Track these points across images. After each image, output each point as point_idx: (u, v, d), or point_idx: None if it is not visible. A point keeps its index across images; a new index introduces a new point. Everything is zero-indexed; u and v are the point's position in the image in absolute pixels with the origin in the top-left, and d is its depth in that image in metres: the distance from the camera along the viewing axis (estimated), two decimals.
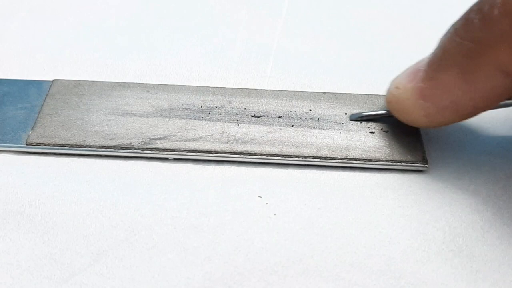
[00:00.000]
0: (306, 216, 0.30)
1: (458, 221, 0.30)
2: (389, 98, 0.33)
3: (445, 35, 0.30)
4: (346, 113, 0.35)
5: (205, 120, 0.34)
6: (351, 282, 0.28)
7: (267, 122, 0.34)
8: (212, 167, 0.33)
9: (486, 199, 0.31)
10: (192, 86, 0.36)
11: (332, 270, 0.28)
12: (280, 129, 0.34)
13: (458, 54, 0.29)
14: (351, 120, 0.35)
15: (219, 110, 0.35)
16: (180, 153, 0.33)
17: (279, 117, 0.35)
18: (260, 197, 0.31)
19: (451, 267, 0.29)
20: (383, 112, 0.34)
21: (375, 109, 0.35)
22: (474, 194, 0.31)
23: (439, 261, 0.29)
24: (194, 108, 0.35)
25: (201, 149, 0.33)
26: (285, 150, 0.33)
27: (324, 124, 0.34)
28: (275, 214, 0.30)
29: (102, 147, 0.33)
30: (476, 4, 0.29)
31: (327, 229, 0.30)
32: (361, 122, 0.34)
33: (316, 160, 0.33)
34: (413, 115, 0.32)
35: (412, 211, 0.31)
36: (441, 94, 0.30)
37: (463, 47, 0.29)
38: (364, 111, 0.35)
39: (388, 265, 0.28)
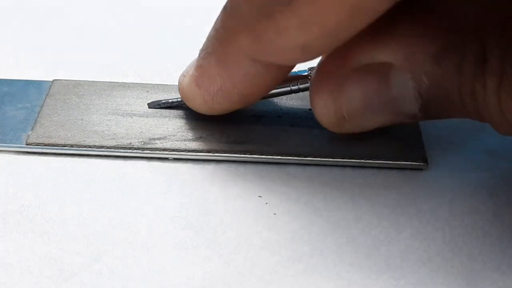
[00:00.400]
0: (306, 215, 0.30)
1: (458, 221, 0.30)
2: (178, 86, 0.33)
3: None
4: None
5: (205, 120, 0.34)
6: (351, 281, 0.28)
7: (267, 122, 0.34)
8: (212, 167, 0.33)
9: (486, 199, 0.31)
10: None
11: (332, 269, 0.28)
12: (280, 128, 0.34)
13: (215, 42, 0.30)
14: (150, 108, 0.35)
15: None
16: (180, 153, 0.33)
17: (279, 116, 0.35)
18: (260, 196, 0.31)
19: (451, 267, 0.28)
20: (178, 99, 0.35)
21: (172, 97, 0.35)
22: (474, 194, 0.31)
23: (439, 260, 0.29)
24: None
25: (201, 149, 0.33)
26: (285, 149, 0.33)
27: None
28: (275, 213, 0.30)
29: (102, 147, 0.33)
30: None
31: (327, 228, 0.30)
32: None
33: (316, 159, 0.33)
34: (194, 102, 0.33)
35: (412, 210, 0.31)
36: (208, 81, 0.31)
37: (218, 34, 0.30)
38: (162, 99, 0.35)
39: (388, 264, 0.28)
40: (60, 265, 0.28)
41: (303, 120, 0.34)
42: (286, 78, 0.33)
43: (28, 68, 0.38)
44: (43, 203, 0.31)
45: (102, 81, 0.37)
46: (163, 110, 0.35)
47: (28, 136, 0.33)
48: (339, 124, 0.32)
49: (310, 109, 0.35)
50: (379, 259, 0.29)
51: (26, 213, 0.30)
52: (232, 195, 0.31)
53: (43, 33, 0.41)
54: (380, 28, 0.29)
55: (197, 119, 0.34)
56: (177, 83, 0.36)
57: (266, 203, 0.31)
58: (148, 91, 0.36)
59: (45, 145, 0.33)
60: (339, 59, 0.31)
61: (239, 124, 0.34)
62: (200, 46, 0.40)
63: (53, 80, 0.36)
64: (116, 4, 0.44)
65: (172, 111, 0.35)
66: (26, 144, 0.33)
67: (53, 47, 0.40)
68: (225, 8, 0.30)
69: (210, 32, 0.31)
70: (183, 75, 0.33)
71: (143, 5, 0.44)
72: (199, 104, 0.33)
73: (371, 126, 0.32)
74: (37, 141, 0.33)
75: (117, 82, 0.36)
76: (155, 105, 0.35)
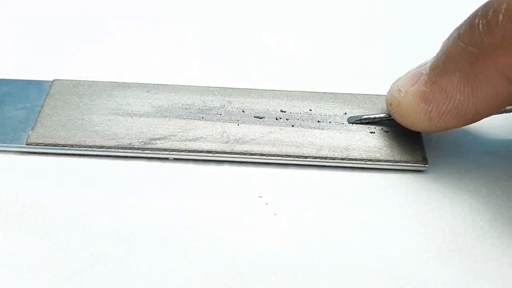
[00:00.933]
0: (306, 216, 0.30)
1: (458, 221, 0.30)
2: (390, 101, 0.33)
3: (448, 39, 0.30)
4: (345, 113, 0.35)
5: (205, 120, 0.34)
6: (351, 282, 0.28)
7: (267, 122, 0.34)
8: (212, 167, 0.33)
9: (486, 199, 0.31)
10: (192, 86, 0.36)
11: (332, 270, 0.28)
12: (280, 129, 0.34)
13: (461, 59, 0.29)
14: (350, 122, 0.34)
15: (219, 110, 0.35)
16: (180, 153, 0.33)
17: (279, 117, 0.35)
18: (261, 197, 0.31)
19: (451, 267, 0.28)
20: (383, 115, 0.34)
21: (374, 112, 0.35)
22: (474, 194, 0.31)
23: (439, 261, 0.29)
24: (194, 108, 0.35)
25: (202, 149, 0.33)
26: (285, 150, 0.33)
27: (324, 124, 0.34)
28: (275, 214, 0.30)
29: (102, 147, 0.33)
30: (480, 9, 0.29)
31: (327, 229, 0.30)
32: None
33: (316, 160, 0.33)
34: (414, 119, 0.32)
35: (412, 211, 0.31)
36: (443, 98, 0.30)
37: (467, 52, 0.29)
38: (363, 113, 0.35)
39: (388, 265, 0.28)
40: (61, 266, 0.28)
41: (304, 120, 0.34)
42: None
43: (28, 68, 0.38)
44: (43, 205, 0.31)
45: (102, 81, 0.36)
46: (163, 110, 0.35)
47: (28, 136, 0.33)
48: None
49: (310, 110, 0.35)
50: (379, 259, 0.29)
51: (27, 215, 0.30)
52: (232, 195, 0.31)
53: (43, 33, 0.41)
54: None
55: (197, 119, 0.34)
56: (178, 83, 0.37)
57: (266, 203, 0.31)
58: (148, 91, 0.36)
59: (45, 145, 0.33)
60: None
61: (239, 124, 0.34)
62: (201, 45, 0.40)
63: (53, 80, 0.36)
64: (116, 4, 0.44)
65: (172, 111, 0.35)
66: (26, 144, 0.33)
67: (53, 47, 0.40)
68: (476, 25, 0.29)
69: (446, 49, 0.30)
70: (397, 90, 0.32)
71: (143, 5, 0.44)
72: (419, 121, 0.31)
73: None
74: (37, 141, 0.33)
75: (117, 82, 0.36)
76: (356, 120, 0.35)
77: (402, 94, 0.32)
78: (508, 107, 0.32)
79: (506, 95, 0.29)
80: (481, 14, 0.28)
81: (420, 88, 0.31)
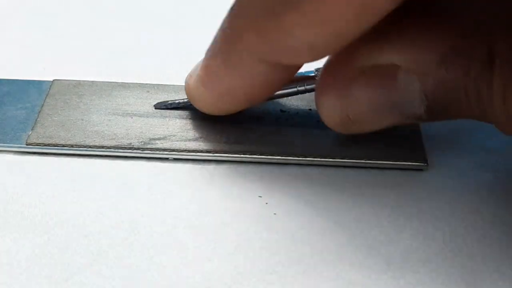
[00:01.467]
0: (306, 215, 0.30)
1: (458, 221, 0.30)
2: (185, 86, 0.34)
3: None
4: None
5: (205, 120, 0.34)
6: (351, 281, 0.28)
7: (267, 122, 0.34)
8: (212, 167, 0.33)
9: (487, 199, 0.31)
10: None
11: (332, 270, 0.28)
12: (280, 128, 0.34)
13: (223, 41, 0.30)
14: (156, 108, 0.35)
15: None
16: (180, 153, 0.33)
17: (279, 117, 0.35)
18: (260, 196, 0.31)
19: (451, 267, 0.28)
20: (185, 100, 0.35)
21: (178, 98, 0.35)
22: (474, 194, 0.31)
23: (439, 261, 0.29)
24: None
25: (201, 149, 0.33)
26: (285, 149, 0.33)
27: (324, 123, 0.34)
28: (275, 213, 0.30)
29: (102, 147, 0.33)
30: None
31: (327, 228, 0.30)
32: None
33: (316, 159, 0.33)
34: (201, 103, 0.33)
35: (412, 210, 0.31)
36: (214, 81, 0.31)
37: (224, 34, 0.30)
38: (168, 99, 0.35)
39: (388, 264, 0.28)
40: (60, 265, 0.28)
41: (303, 120, 0.34)
42: (293, 79, 0.33)
43: (28, 68, 0.38)
44: (43, 204, 0.31)
45: (102, 81, 0.37)
46: (163, 110, 0.35)
47: (28, 136, 0.33)
48: (345, 125, 0.31)
49: (310, 109, 0.35)
50: (379, 259, 0.29)
51: (26, 214, 0.30)
52: (232, 195, 0.31)
53: (43, 33, 0.41)
54: (387, 30, 0.29)
55: (197, 119, 0.34)
56: (177, 83, 0.37)
57: (266, 203, 0.31)
58: (148, 91, 0.36)
59: (45, 145, 0.33)
60: (345, 60, 0.30)
61: (239, 124, 0.34)
62: (200, 45, 0.40)
63: (53, 80, 0.36)
64: (116, 4, 0.44)
65: (172, 111, 0.35)
66: (26, 144, 0.33)
67: (53, 47, 0.40)
68: (231, 8, 0.30)
69: (216, 33, 0.31)
70: (189, 75, 0.33)
71: (143, 4, 0.44)
72: (205, 105, 0.33)
73: (377, 127, 0.32)
74: (37, 141, 0.33)
75: (117, 82, 0.36)
76: (161, 105, 0.35)
77: (192, 79, 0.33)
78: (279, 92, 0.33)
79: (265, 76, 0.30)
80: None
81: (198, 72, 0.32)
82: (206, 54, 0.32)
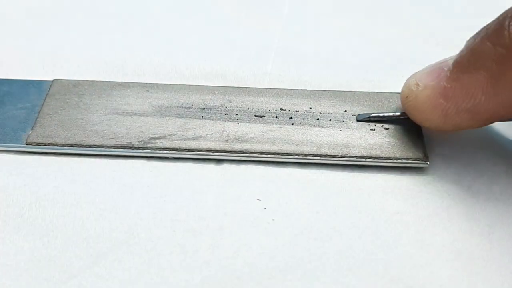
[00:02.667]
0: (305, 220, 0.30)
1: (457, 226, 0.30)
2: (407, 94, 0.32)
3: (475, 37, 0.30)
4: (346, 111, 0.35)
5: (205, 119, 0.34)
6: (349, 286, 0.28)
7: (267, 121, 0.34)
8: (212, 166, 0.33)
9: (487, 202, 0.31)
10: (192, 85, 0.36)
11: (330, 275, 0.28)
12: (280, 127, 0.34)
13: (488, 59, 0.29)
14: (358, 120, 0.34)
15: (219, 109, 0.35)
16: (180, 152, 0.33)
17: (279, 115, 0.35)
18: (259, 200, 0.31)
19: (450, 270, 0.28)
20: (392, 114, 0.34)
21: (384, 111, 0.35)
22: (473, 198, 0.31)
23: (438, 264, 0.29)
24: (194, 107, 0.35)
25: (201, 148, 0.33)
26: (285, 148, 0.33)
27: (324, 122, 0.34)
28: (273, 219, 0.30)
29: (102, 146, 0.33)
30: (511, 10, 0.28)
31: (325, 233, 0.30)
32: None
33: (316, 158, 0.33)
34: (430, 114, 0.31)
35: (411, 216, 0.31)
36: (464, 96, 0.30)
37: (494, 52, 0.29)
38: (372, 111, 0.35)
39: (386, 269, 0.28)
40: (59, 267, 0.28)
41: (303, 118, 0.34)
42: None
43: (28, 68, 0.38)
44: (43, 206, 0.31)
45: (102, 81, 0.36)
46: (163, 109, 0.35)
47: (28, 136, 0.33)
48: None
49: (310, 108, 0.35)
50: (377, 263, 0.29)
51: (26, 216, 0.30)
52: (231, 198, 0.31)
53: (43, 33, 0.41)
54: None
55: (197, 118, 0.34)
56: (178, 82, 0.37)
57: (265, 208, 0.31)
58: (148, 91, 0.36)
59: (45, 145, 0.33)
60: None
61: (239, 123, 0.34)
62: (201, 44, 0.40)
63: (53, 80, 0.36)
64: (115, 4, 0.43)
65: (172, 110, 0.35)
66: (26, 144, 0.33)
67: (53, 47, 0.40)
68: (506, 27, 0.28)
69: (473, 46, 0.30)
70: (416, 84, 0.32)
71: (143, 4, 0.44)
72: (435, 117, 0.31)
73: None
74: (37, 141, 0.33)
75: (117, 82, 0.36)
76: (364, 118, 0.34)
77: (420, 88, 0.31)
78: None
79: None
80: (511, 15, 0.28)
81: (441, 83, 0.30)
82: (455, 67, 0.30)
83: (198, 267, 0.28)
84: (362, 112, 0.35)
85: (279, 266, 0.29)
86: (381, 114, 0.34)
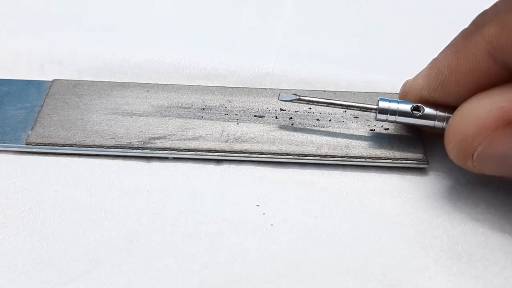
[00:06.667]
0: (303, 225, 0.30)
1: (457, 229, 0.30)
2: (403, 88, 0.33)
3: None
4: (345, 111, 0.35)
5: (204, 119, 0.34)
6: None
7: (267, 121, 0.34)
8: (211, 166, 0.33)
9: (487, 204, 0.31)
10: (192, 85, 0.36)
11: (328, 279, 0.28)
12: (280, 127, 0.34)
13: (458, 36, 0.30)
14: (281, 100, 0.33)
15: (219, 109, 0.35)
16: (179, 152, 0.33)
17: (279, 116, 0.34)
18: (258, 205, 0.31)
19: (449, 274, 0.28)
20: (324, 100, 0.33)
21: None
22: (473, 200, 0.31)
23: (437, 268, 0.29)
24: (193, 107, 0.35)
25: (201, 148, 0.33)
26: (284, 148, 0.33)
27: (324, 122, 0.34)
28: (272, 225, 0.30)
29: (102, 146, 0.33)
30: None
31: (323, 238, 0.30)
32: (358, 119, 0.34)
33: (316, 158, 0.33)
34: (414, 92, 0.32)
35: (410, 219, 0.31)
36: (435, 74, 0.30)
37: (464, 29, 0.30)
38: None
39: (384, 273, 0.28)
40: (58, 271, 0.28)
41: (303, 119, 0.34)
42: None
43: (28, 68, 0.38)
44: (42, 207, 0.31)
45: (102, 81, 0.36)
46: (163, 110, 0.35)
47: (28, 136, 0.33)
48: (464, 161, 0.30)
49: (310, 108, 0.35)
50: (376, 267, 0.29)
51: (26, 219, 0.30)
52: (230, 201, 0.31)
53: (43, 33, 0.41)
54: None
55: (197, 118, 0.34)
56: (178, 82, 0.37)
57: (264, 214, 0.31)
58: (148, 91, 0.36)
59: (45, 145, 0.33)
60: (489, 106, 0.29)
61: (239, 123, 0.34)
62: (201, 44, 0.40)
63: (53, 80, 0.36)
64: (115, 4, 0.43)
65: (171, 110, 0.35)
66: (26, 144, 0.33)
67: (53, 47, 0.40)
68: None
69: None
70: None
71: (143, 4, 0.43)
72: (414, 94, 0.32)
73: (495, 174, 0.30)
74: (37, 141, 0.33)
75: (117, 82, 0.36)
76: (287, 98, 0.33)
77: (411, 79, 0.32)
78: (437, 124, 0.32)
79: (488, 75, 0.29)
80: None
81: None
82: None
83: (196, 271, 0.28)
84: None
85: (277, 270, 0.29)
86: (307, 98, 0.33)
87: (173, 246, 0.29)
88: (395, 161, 0.33)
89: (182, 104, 0.35)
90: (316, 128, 0.34)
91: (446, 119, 0.31)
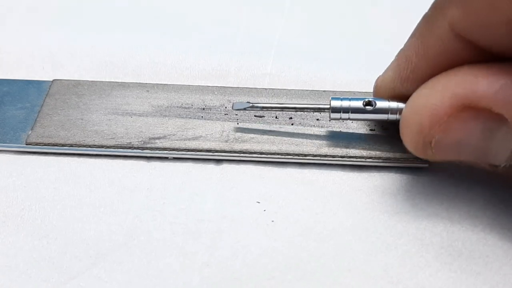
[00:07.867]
0: (304, 221, 0.30)
1: (457, 226, 0.30)
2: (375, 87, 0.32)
3: None
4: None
5: (204, 119, 0.34)
6: (349, 287, 0.28)
7: (267, 121, 0.34)
8: (211, 166, 0.33)
9: (486, 202, 0.31)
10: (192, 85, 0.36)
11: (329, 275, 0.28)
12: (280, 127, 0.34)
13: (420, 22, 0.29)
14: (234, 109, 0.34)
15: (219, 109, 0.35)
16: (179, 152, 0.33)
17: (279, 116, 0.34)
18: (259, 202, 0.31)
19: (449, 271, 0.28)
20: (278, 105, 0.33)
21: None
22: (473, 198, 0.31)
23: (438, 265, 0.29)
24: (193, 107, 0.35)
25: (201, 148, 0.33)
26: (284, 148, 0.33)
27: (324, 122, 0.34)
28: (272, 221, 0.30)
29: (102, 146, 0.33)
30: None
31: (324, 235, 0.30)
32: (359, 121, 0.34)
33: (316, 158, 0.33)
34: (385, 88, 0.32)
35: (410, 216, 0.31)
36: (404, 64, 0.30)
37: (425, 15, 0.29)
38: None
39: (385, 270, 0.28)
40: (59, 268, 0.28)
41: (303, 119, 0.34)
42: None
43: (28, 68, 0.38)
44: (42, 206, 0.31)
45: (102, 81, 0.36)
46: (163, 110, 0.35)
47: (28, 136, 0.33)
48: (423, 151, 0.29)
49: None
50: (376, 264, 0.29)
51: (26, 217, 0.30)
52: (231, 200, 0.31)
53: (43, 33, 0.41)
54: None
55: (197, 118, 0.34)
56: (178, 82, 0.37)
57: (264, 210, 0.31)
58: (148, 91, 0.36)
59: (45, 145, 0.33)
60: (441, 92, 0.28)
61: (239, 123, 0.34)
62: (200, 44, 0.40)
63: (53, 80, 0.36)
64: (115, 4, 0.43)
65: (171, 110, 0.35)
66: (26, 144, 0.33)
67: (53, 47, 0.40)
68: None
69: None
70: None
71: (143, 4, 0.44)
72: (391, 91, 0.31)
73: (453, 160, 0.30)
74: (37, 141, 0.33)
75: (117, 82, 0.36)
76: (240, 107, 0.33)
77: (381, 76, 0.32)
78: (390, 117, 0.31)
79: (457, 55, 0.28)
80: None
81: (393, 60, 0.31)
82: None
83: (197, 269, 0.28)
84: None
85: (278, 267, 0.29)
86: (260, 105, 0.33)
87: (174, 243, 0.29)
88: (395, 161, 0.33)
89: (182, 104, 0.35)
90: (316, 128, 0.34)
91: (399, 111, 0.31)
